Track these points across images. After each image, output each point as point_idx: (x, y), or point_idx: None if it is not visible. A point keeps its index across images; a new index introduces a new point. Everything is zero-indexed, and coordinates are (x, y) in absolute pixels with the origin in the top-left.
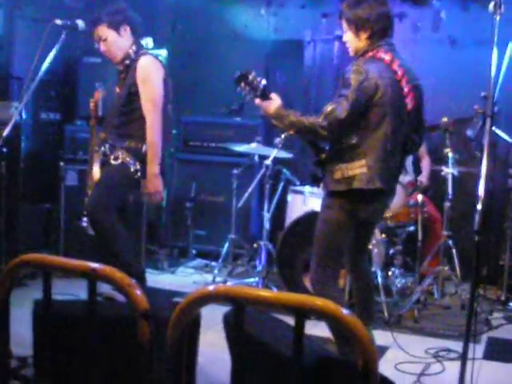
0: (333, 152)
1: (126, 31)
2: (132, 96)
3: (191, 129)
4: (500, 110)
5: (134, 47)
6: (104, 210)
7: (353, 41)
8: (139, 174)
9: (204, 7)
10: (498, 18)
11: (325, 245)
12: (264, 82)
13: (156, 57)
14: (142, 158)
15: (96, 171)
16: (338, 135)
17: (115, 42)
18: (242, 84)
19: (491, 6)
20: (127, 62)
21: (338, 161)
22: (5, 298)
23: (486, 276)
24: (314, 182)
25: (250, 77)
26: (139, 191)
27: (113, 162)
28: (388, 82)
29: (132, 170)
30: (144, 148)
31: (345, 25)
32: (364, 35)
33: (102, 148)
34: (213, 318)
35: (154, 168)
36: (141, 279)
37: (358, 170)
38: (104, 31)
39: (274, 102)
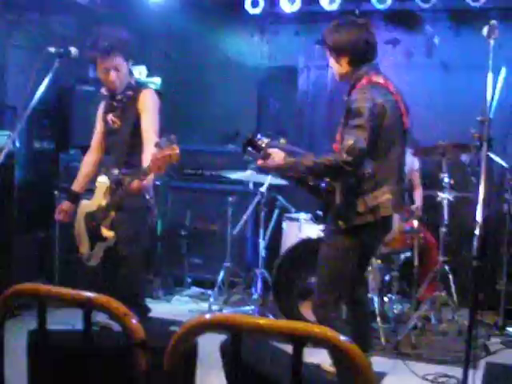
0: (347, 187)
1: (128, 65)
2: (137, 127)
3: (185, 157)
4: (494, 133)
5: (132, 77)
6: (136, 241)
7: (335, 67)
8: (153, 201)
9: (197, 35)
10: (492, 42)
11: (333, 271)
12: (266, 140)
13: (156, 91)
14: (153, 187)
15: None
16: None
17: (126, 73)
18: (249, 148)
19: (485, 30)
20: (129, 92)
21: (357, 194)
22: None
23: (482, 301)
24: (317, 221)
25: (255, 139)
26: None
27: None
28: (391, 104)
29: (148, 198)
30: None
31: (327, 51)
32: (344, 61)
33: (115, 172)
34: (210, 348)
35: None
36: (147, 309)
37: (382, 197)
38: (119, 61)
39: (278, 155)
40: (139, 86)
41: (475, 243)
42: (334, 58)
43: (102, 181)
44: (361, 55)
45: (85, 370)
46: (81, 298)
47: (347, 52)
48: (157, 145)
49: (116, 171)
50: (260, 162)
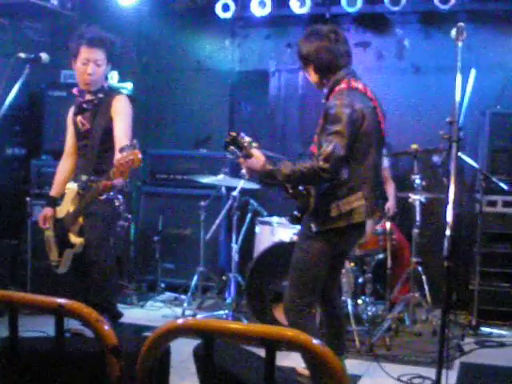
0: (321, 191)
1: (108, 68)
2: (109, 132)
3: (157, 161)
4: (465, 135)
5: (107, 81)
6: (106, 247)
7: (307, 75)
8: (122, 207)
9: (168, 39)
10: (460, 44)
11: (304, 274)
12: (248, 139)
13: (129, 96)
14: (121, 191)
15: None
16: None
17: (104, 73)
18: (231, 147)
19: (453, 32)
20: (101, 95)
21: (331, 198)
22: None
23: (456, 301)
24: (293, 222)
25: (239, 138)
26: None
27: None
28: (369, 110)
29: (117, 203)
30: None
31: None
32: (311, 69)
33: (83, 178)
34: (182, 353)
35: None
36: (118, 315)
37: (355, 203)
38: (101, 56)
39: (259, 159)
40: (112, 91)
41: (446, 243)
42: (303, 68)
43: (71, 187)
44: (325, 63)
45: (57, 376)
46: (52, 304)
47: (311, 61)
48: (120, 150)
49: (84, 177)
50: (241, 160)
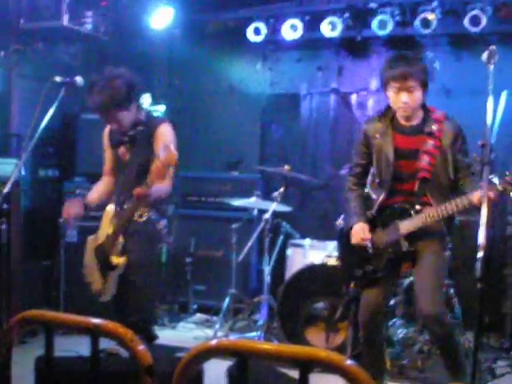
0: None
1: (135, 105)
2: (150, 164)
3: (189, 184)
4: (496, 157)
5: (141, 111)
6: (149, 267)
7: (411, 97)
8: (166, 229)
9: (200, 62)
10: (491, 67)
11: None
12: None
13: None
14: (164, 215)
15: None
16: None
17: (130, 116)
18: None
19: (484, 55)
20: (141, 127)
21: None
22: (6, 356)
23: (488, 324)
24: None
25: None
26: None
27: (138, 219)
28: None
29: (160, 226)
30: (165, 206)
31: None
32: (421, 91)
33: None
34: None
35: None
36: (154, 337)
37: None
38: (119, 113)
39: None
40: (153, 120)
41: (478, 265)
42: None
43: (109, 209)
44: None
45: None
46: (87, 324)
47: (426, 83)
48: (157, 157)
49: (122, 198)
50: None
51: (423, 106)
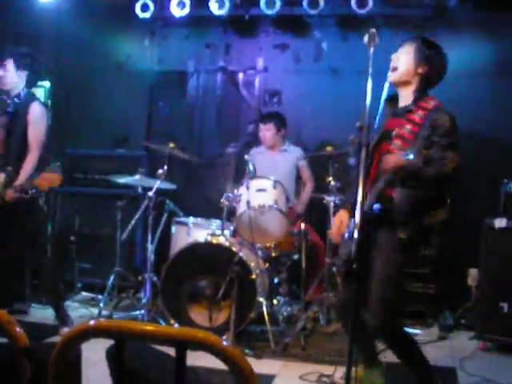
0: None
1: (22, 73)
2: (25, 137)
3: (75, 161)
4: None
5: (23, 88)
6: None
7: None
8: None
9: (88, 38)
10: (371, 49)
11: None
12: None
13: (43, 104)
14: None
15: None
16: None
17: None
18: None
19: (365, 38)
20: (17, 100)
21: None
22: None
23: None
24: None
25: None
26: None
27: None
28: None
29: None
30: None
31: None
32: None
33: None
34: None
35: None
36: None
37: None
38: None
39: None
40: (27, 98)
41: (353, 246)
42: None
43: None
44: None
45: None
46: None
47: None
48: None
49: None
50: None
51: (418, 92)
